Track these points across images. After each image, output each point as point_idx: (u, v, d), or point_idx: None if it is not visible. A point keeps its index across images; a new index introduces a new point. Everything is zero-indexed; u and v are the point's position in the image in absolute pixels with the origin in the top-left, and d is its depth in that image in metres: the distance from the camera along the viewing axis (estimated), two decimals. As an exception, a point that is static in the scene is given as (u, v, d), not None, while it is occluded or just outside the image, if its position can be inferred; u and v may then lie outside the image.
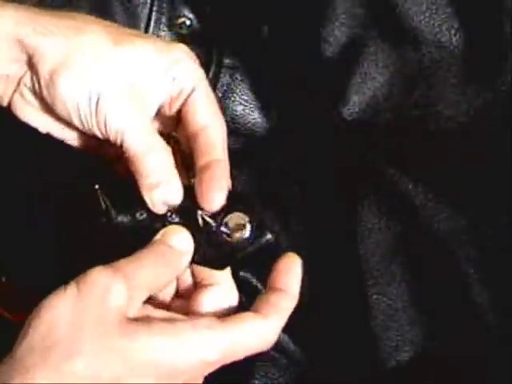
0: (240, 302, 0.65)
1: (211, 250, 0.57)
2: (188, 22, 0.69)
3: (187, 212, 0.57)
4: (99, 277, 0.50)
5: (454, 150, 0.67)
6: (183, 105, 0.58)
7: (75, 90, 0.54)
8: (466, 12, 0.68)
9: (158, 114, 0.59)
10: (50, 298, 0.49)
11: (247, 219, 0.57)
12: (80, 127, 0.57)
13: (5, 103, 0.58)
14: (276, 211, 0.68)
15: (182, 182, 0.57)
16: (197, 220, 0.57)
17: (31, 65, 0.55)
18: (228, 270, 0.57)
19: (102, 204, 0.58)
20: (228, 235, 0.57)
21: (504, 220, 0.64)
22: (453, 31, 0.68)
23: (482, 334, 0.63)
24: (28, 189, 0.67)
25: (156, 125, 0.60)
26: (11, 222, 0.66)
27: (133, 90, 0.56)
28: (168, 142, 0.60)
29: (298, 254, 0.67)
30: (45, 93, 0.56)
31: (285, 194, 0.69)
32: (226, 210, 0.57)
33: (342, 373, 0.64)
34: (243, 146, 0.68)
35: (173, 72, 0.57)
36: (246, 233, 0.57)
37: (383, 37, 0.69)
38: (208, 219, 0.57)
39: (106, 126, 0.55)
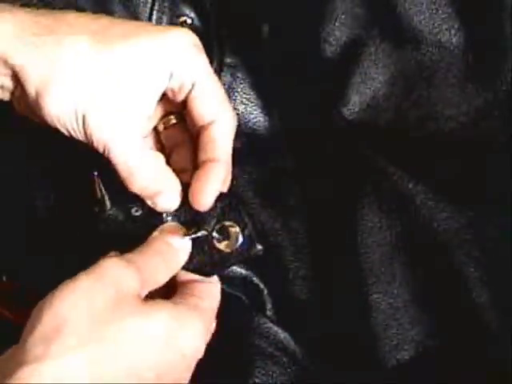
0: (241, 302, 0.66)
1: (200, 255, 0.57)
2: (189, 21, 0.69)
3: (182, 214, 0.58)
4: (113, 266, 0.50)
5: (454, 150, 0.67)
6: (187, 98, 0.57)
7: (60, 109, 0.54)
8: (466, 12, 0.68)
9: (165, 98, 0.58)
10: (61, 289, 0.49)
11: (240, 229, 0.57)
12: (70, 137, 0.56)
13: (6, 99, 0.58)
14: (276, 211, 0.68)
15: (181, 179, 0.57)
16: (190, 222, 0.57)
17: (17, 82, 0.55)
18: None
19: (98, 193, 0.58)
20: (219, 242, 0.57)
21: (504, 220, 0.65)
22: (453, 31, 0.68)
23: (482, 334, 0.63)
24: (28, 182, 0.67)
25: (163, 107, 0.60)
26: (11, 220, 0.66)
27: (123, 97, 0.55)
28: (177, 120, 0.60)
29: (298, 253, 0.67)
30: (33, 109, 0.55)
31: (285, 193, 0.69)
32: (220, 215, 0.58)
33: (343, 371, 0.64)
34: (244, 145, 0.68)
35: (170, 67, 0.55)
36: (238, 242, 0.57)
37: (383, 37, 0.69)
38: (199, 234, 0.57)
39: (93, 140, 0.55)
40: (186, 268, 0.56)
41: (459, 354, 0.64)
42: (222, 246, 0.57)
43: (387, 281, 0.65)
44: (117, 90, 0.54)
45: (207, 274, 0.57)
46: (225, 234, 0.57)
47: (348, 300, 0.65)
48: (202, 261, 0.57)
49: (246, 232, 0.57)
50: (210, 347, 0.58)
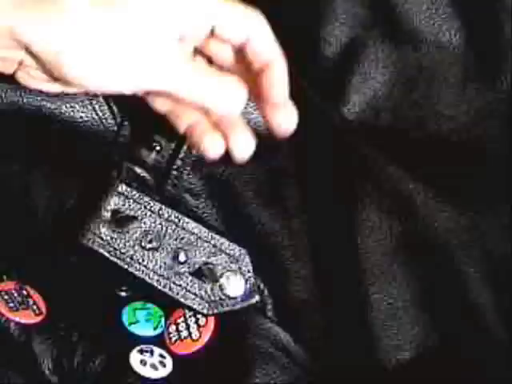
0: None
1: (200, 291, 0.59)
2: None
3: None
4: None
5: (454, 149, 0.67)
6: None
7: (84, 68, 0.52)
8: (466, 12, 0.68)
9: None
10: None
11: (243, 280, 0.61)
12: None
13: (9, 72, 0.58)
14: (276, 211, 0.68)
15: None
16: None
17: (30, 52, 0.53)
18: None
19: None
20: (221, 289, 0.59)
21: (504, 220, 0.65)
22: (453, 31, 0.68)
23: (482, 334, 0.63)
24: (29, 182, 0.67)
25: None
26: (12, 220, 0.66)
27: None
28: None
29: (298, 253, 0.67)
30: (51, 73, 0.54)
31: (285, 193, 0.69)
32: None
33: (343, 372, 0.64)
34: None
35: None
36: (239, 292, 0.60)
37: (383, 37, 0.69)
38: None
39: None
40: (185, 306, 0.58)
41: (459, 354, 0.64)
42: (223, 291, 0.60)
43: (387, 281, 0.65)
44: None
45: (204, 315, 0.59)
46: (228, 284, 0.60)
47: (348, 300, 0.65)
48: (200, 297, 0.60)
49: (249, 284, 0.61)
50: (210, 347, 0.58)
